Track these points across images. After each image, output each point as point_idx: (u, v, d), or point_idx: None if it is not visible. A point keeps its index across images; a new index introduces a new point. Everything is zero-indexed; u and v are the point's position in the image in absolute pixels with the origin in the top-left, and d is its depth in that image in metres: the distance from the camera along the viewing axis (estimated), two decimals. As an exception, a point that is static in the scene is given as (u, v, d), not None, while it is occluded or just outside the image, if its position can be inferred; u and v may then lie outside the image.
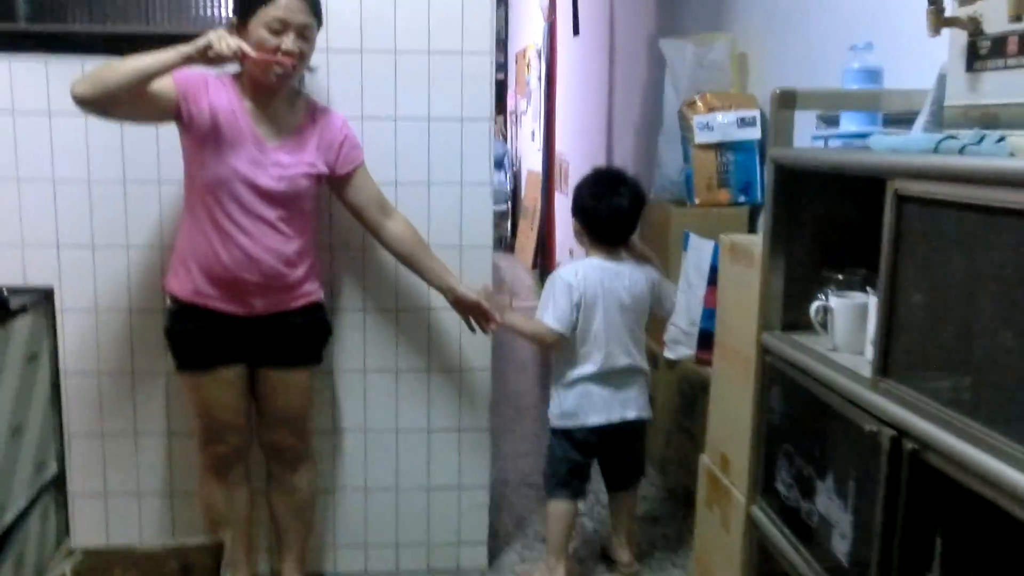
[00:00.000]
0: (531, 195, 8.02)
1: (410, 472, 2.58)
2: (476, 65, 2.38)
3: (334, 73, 2.34)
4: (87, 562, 1.73)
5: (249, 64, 1.99)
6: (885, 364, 1.33)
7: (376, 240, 2.28)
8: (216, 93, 2.04)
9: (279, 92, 2.07)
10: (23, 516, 1.57)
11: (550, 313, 2.41)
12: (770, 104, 1.74)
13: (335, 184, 2.22)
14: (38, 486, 1.66)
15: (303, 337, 2.23)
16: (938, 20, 1.38)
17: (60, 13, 2.34)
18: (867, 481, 1.33)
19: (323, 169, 2.14)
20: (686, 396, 2.98)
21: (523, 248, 8.12)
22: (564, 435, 2.48)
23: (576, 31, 5.69)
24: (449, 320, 2.48)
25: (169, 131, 2.10)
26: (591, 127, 6.03)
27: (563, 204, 6.80)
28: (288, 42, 1.96)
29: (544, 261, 6.98)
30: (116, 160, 2.34)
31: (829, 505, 1.46)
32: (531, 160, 8.26)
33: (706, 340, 2.88)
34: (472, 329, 2.33)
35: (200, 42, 1.86)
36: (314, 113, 2.16)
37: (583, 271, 2.45)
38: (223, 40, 1.87)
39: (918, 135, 1.49)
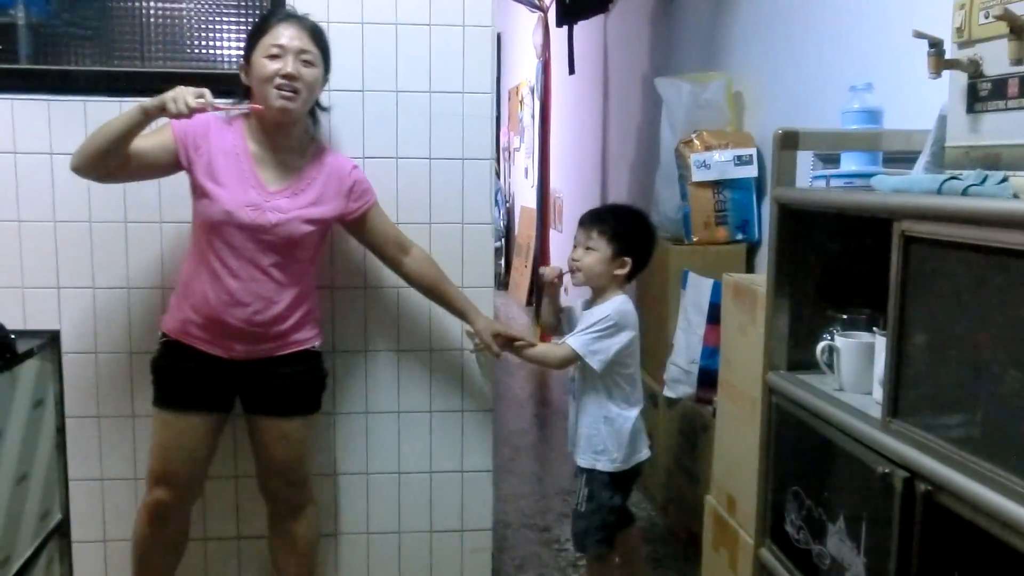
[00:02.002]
0: (525, 232, 8.04)
1: (412, 515, 2.55)
2: (476, 105, 2.40)
3: (335, 113, 2.36)
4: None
5: (254, 101, 2.01)
6: (895, 404, 1.33)
7: (398, 275, 2.30)
8: (219, 135, 2.05)
9: (287, 130, 2.07)
10: (28, 565, 1.55)
11: (585, 340, 2.29)
12: (772, 144, 1.75)
13: (351, 227, 2.22)
14: (43, 534, 1.64)
15: (292, 386, 2.18)
16: (939, 62, 1.39)
17: (62, 54, 2.35)
18: (879, 523, 1.32)
19: (330, 214, 2.13)
20: (687, 435, 2.97)
21: (517, 285, 8.12)
22: (621, 479, 2.36)
23: (572, 70, 5.75)
24: (451, 361, 2.47)
25: (170, 172, 2.10)
26: (586, 164, 6.07)
27: (557, 241, 6.82)
28: (288, 65, 1.97)
29: (539, 299, 6.98)
30: (117, 201, 2.33)
31: (841, 548, 1.44)
32: (524, 197, 8.30)
33: (706, 378, 2.88)
34: (496, 355, 2.32)
35: (156, 100, 1.87)
36: (323, 158, 2.15)
37: (630, 309, 2.35)
38: (180, 100, 1.85)
39: (921, 175, 1.50)
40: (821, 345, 1.62)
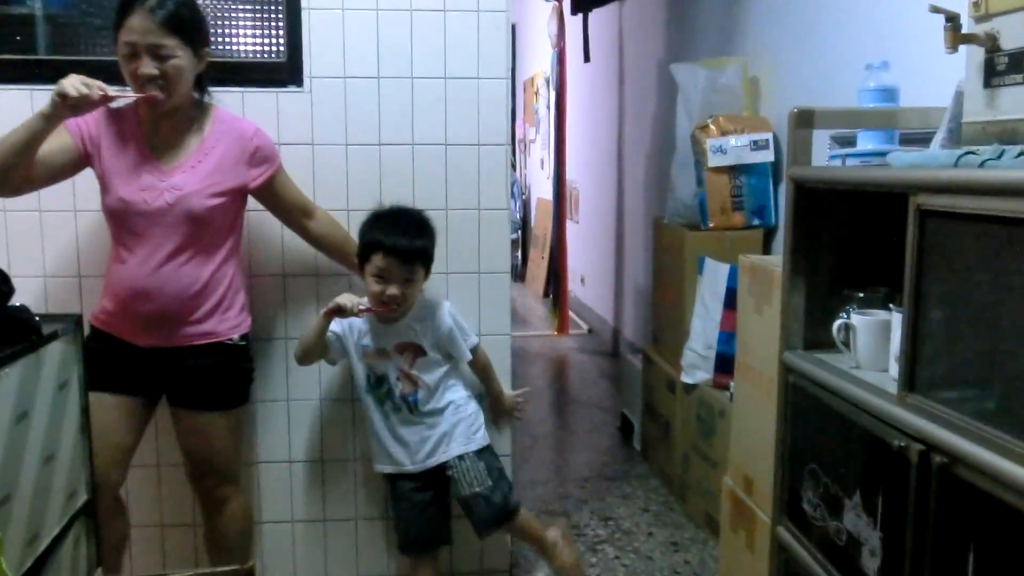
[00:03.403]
0: (541, 223, 8.05)
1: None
2: (492, 90, 2.41)
3: (351, 99, 2.37)
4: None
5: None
6: (911, 379, 1.33)
7: (304, 239, 2.29)
8: (109, 125, 2.02)
9: (169, 115, 2.02)
10: (55, 544, 1.58)
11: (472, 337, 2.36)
12: (788, 123, 1.75)
13: (256, 193, 2.17)
14: (70, 514, 1.67)
15: (211, 380, 2.12)
16: (955, 37, 1.39)
17: (79, 44, 2.38)
18: (896, 497, 1.33)
19: (232, 183, 2.07)
20: (704, 420, 2.97)
21: (534, 277, 8.13)
22: None
23: (587, 58, 5.74)
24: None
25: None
26: (601, 153, 6.06)
27: (574, 232, 6.82)
28: (143, 66, 1.90)
29: (556, 289, 6.99)
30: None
31: (857, 523, 1.45)
32: (540, 188, 8.30)
33: (723, 364, 2.88)
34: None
35: (49, 102, 1.81)
36: (223, 126, 2.09)
37: None
38: (73, 87, 1.79)
39: (937, 151, 1.50)
40: (837, 323, 1.62)
